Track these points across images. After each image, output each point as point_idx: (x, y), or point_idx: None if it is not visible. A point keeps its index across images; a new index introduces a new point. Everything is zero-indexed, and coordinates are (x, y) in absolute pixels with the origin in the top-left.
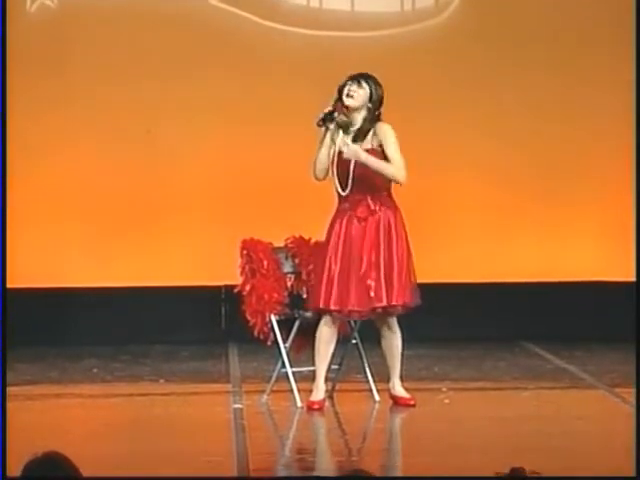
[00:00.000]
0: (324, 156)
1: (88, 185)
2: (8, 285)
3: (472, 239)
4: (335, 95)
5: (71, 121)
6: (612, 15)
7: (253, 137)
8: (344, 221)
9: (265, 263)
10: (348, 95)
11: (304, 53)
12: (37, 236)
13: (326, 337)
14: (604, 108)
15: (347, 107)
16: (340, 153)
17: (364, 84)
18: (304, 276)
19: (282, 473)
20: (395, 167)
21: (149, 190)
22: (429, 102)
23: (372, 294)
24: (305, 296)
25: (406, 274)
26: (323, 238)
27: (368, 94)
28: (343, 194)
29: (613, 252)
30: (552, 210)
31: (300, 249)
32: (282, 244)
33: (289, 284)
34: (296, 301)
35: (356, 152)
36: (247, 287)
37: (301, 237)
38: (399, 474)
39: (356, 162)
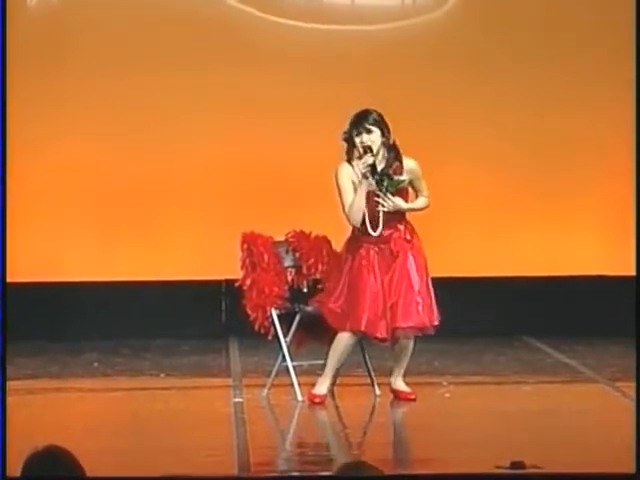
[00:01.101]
0: (363, 204)
1: (88, 180)
2: (8, 280)
3: (472, 233)
4: (343, 143)
5: (71, 115)
6: (613, 9)
7: (254, 132)
8: (377, 254)
9: (266, 257)
10: (366, 149)
11: (304, 47)
12: (38, 231)
13: (347, 343)
14: (604, 101)
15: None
16: (370, 195)
17: (372, 128)
18: (305, 270)
19: (283, 467)
20: (427, 200)
21: (149, 185)
22: (429, 96)
23: (421, 312)
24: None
25: (433, 297)
26: (342, 256)
27: (380, 133)
28: (375, 234)
29: (613, 246)
30: (552, 204)
31: (300, 243)
32: (282, 238)
33: (290, 278)
34: (297, 295)
35: (398, 206)
36: (248, 281)
37: (302, 231)
38: (400, 468)
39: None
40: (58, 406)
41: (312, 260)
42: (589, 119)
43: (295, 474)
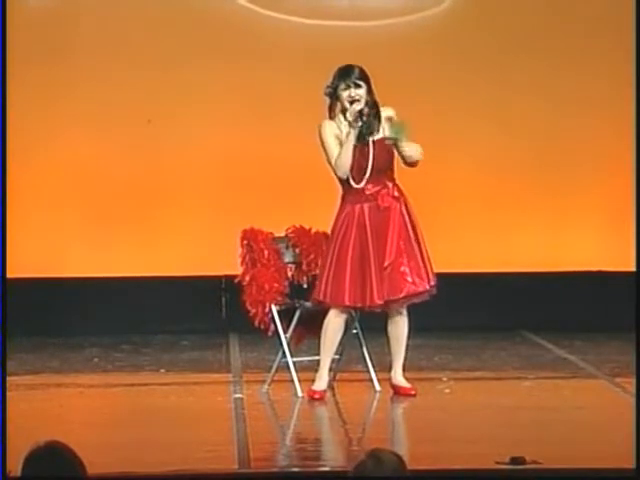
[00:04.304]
0: (350, 154)
1: (88, 175)
2: (8, 275)
3: (472, 228)
4: (326, 97)
5: (71, 110)
6: (614, 6)
7: (253, 127)
8: (365, 211)
9: (266, 253)
10: (353, 101)
11: (304, 42)
12: (38, 226)
13: (334, 328)
14: (604, 98)
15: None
16: (356, 147)
17: (360, 82)
18: (305, 266)
19: (283, 462)
20: (417, 146)
21: (149, 180)
22: (429, 92)
23: (409, 279)
24: (319, 290)
25: (428, 257)
26: (330, 229)
27: (366, 88)
28: (358, 186)
29: (613, 242)
30: (552, 199)
31: (301, 239)
32: (282, 234)
33: (290, 274)
34: (297, 291)
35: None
36: (247, 277)
37: (302, 227)
38: None
39: (375, 154)
40: (58, 401)
41: (312, 256)
42: (589, 115)
43: (295, 469)
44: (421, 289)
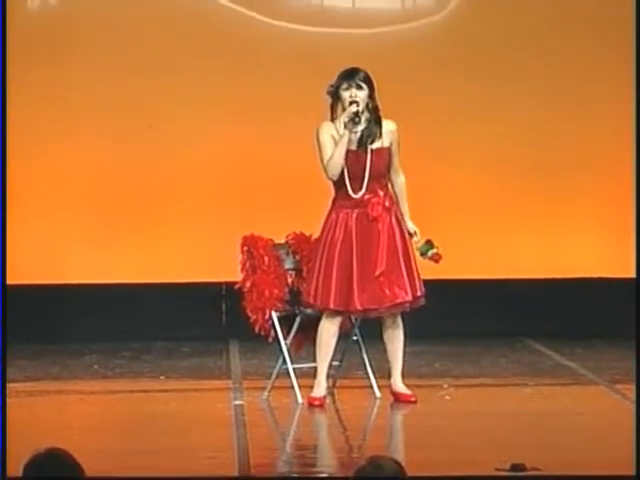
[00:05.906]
0: (342, 156)
1: (89, 181)
2: (8, 282)
3: (472, 235)
4: (328, 97)
5: (72, 115)
6: (614, 9)
7: (254, 133)
8: (353, 217)
9: (266, 259)
10: (352, 102)
11: (305, 49)
12: (38, 232)
13: (328, 333)
14: (604, 101)
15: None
16: (349, 152)
17: (363, 84)
18: (305, 273)
19: (283, 469)
20: (403, 177)
21: (150, 186)
22: (429, 98)
23: (387, 291)
24: (308, 292)
25: (416, 268)
26: (319, 233)
27: (367, 92)
28: (356, 196)
29: (613, 248)
30: (551, 206)
31: (301, 245)
32: (283, 240)
33: (290, 280)
34: (297, 297)
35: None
36: (248, 284)
37: (302, 233)
38: None
39: (372, 163)
40: (58, 408)
41: (312, 263)
42: (590, 120)
43: (295, 476)
44: (399, 300)
